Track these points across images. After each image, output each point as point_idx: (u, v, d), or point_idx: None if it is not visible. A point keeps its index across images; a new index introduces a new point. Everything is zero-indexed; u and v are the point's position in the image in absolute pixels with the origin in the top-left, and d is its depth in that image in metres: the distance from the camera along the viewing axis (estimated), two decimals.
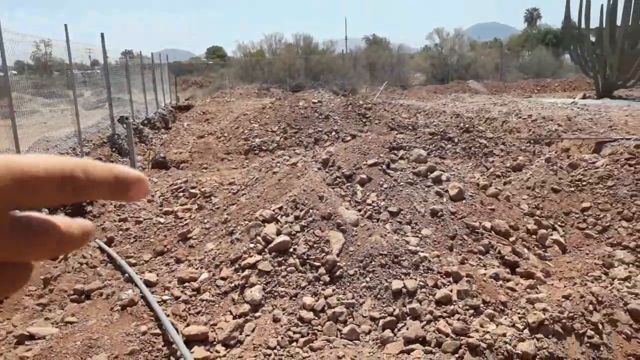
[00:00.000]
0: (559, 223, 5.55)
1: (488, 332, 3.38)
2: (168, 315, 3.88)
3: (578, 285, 4.11)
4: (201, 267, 4.62)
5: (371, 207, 5.06)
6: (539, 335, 3.38)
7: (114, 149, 9.87)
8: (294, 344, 3.58)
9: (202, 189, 7.02)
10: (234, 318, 3.88)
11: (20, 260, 0.40)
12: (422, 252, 4.24)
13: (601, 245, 5.09)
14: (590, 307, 3.64)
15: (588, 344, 3.43)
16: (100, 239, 5.79)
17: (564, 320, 3.48)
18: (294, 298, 3.98)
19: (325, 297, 3.90)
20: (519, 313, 3.61)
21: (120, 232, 5.99)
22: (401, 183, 5.35)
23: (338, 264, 4.14)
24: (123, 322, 3.83)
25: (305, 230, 4.52)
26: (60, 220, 0.41)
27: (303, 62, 29.98)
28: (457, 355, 3.25)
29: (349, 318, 3.75)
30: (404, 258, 4.09)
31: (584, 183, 5.94)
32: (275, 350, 3.51)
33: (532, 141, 10.00)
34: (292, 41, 33.87)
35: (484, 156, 8.62)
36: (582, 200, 5.72)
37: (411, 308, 3.66)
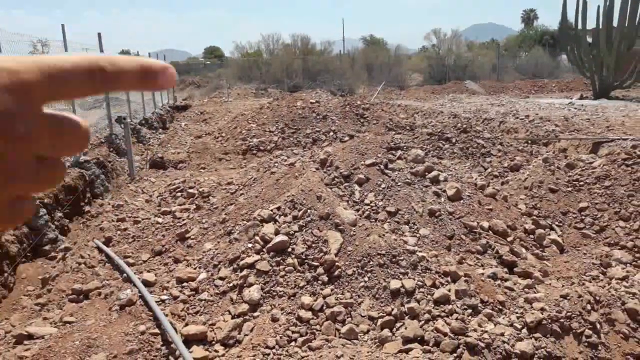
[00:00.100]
0: (557, 223, 5.57)
1: (486, 331, 3.39)
2: (167, 315, 3.87)
3: (576, 285, 4.13)
4: (199, 267, 4.62)
5: (369, 207, 5.07)
6: (537, 335, 3.39)
7: (112, 149, 9.85)
8: (293, 343, 3.59)
9: (200, 189, 7.02)
10: (233, 318, 3.88)
11: (58, 153, 0.43)
12: (420, 251, 4.25)
13: (599, 245, 5.11)
14: (588, 307, 3.65)
15: (586, 344, 3.45)
16: (98, 238, 5.78)
17: (562, 320, 3.50)
18: (292, 298, 3.98)
19: (324, 297, 3.91)
20: (517, 312, 3.62)
21: (118, 232, 5.99)
22: (399, 183, 5.36)
23: (336, 263, 4.14)
24: (122, 322, 3.83)
25: (304, 230, 4.52)
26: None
27: (301, 62, 29.96)
28: (455, 354, 3.26)
29: (348, 318, 3.75)
30: (402, 258, 4.10)
31: (582, 183, 5.96)
32: (273, 350, 3.52)
33: (529, 141, 10.03)
34: (290, 41, 33.85)
35: (482, 156, 8.64)
36: (579, 200, 5.74)
37: (409, 307, 3.67)
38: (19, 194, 0.42)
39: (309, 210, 4.69)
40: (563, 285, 4.16)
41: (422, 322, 3.57)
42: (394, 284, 3.87)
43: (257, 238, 4.53)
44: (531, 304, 3.69)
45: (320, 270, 4.12)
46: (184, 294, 4.24)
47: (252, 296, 3.99)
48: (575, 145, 9.63)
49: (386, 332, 3.55)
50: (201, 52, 58.87)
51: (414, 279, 3.91)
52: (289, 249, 4.37)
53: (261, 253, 4.39)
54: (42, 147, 0.41)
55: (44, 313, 4.35)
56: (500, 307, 3.72)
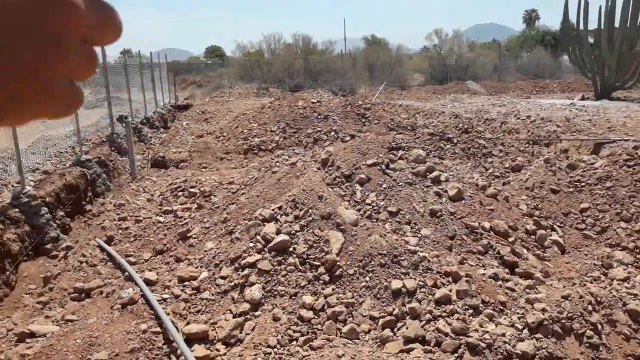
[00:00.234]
0: (558, 224, 5.57)
1: (487, 331, 3.39)
2: (168, 314, 3.88)
3: (577, 286, 4.13)
4: (201, 266, 4.63)
5: (370, 207, 5.07)
6: (538, 335, 3.40)
7: (113, 148, 9.86)
8: (294, 342, 3.60)
9: (202, 189, 7.03)
10: (234, 317, 3.89)
11: (98, 39, 0.46)
12: (421, 252, 4.25)
13: (600, 245, 5.11)
14: (590, 308, 3.65)
15: (587, 344, 3.45)
16: (100, 237, 5.79)
17: (563, 321, 3.50)
18: (293, 297, 3.99)
19: (325, 297, 3.91)
20: (518, 313, 3.62)
21: (120, 231, 6.00)
22: (400, 183, 5.36)
23: (337, 263, 4.15)
24: (123, 321, 3.83)
25: (305, 230, 4.53)
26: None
27: (302, 62, 29.95)
28: (456, 354, 3.26)
29: (349, 317, 3.76)
30: (403, 258, 4.11)
31: (583, 184, 5.96)
32: (275, 349, 3.53)
33: (531, 142, 10.03)
34: (291, 41, 33.84)
35: (483, 157, 8.64)
36: (580, 201, 5.74)
37: (410, 307, 3.67)
38: (67, 74, 0.45)
39: (310, 210, 4.69)
40: (564, 286, 4.17)
41: (424, 322, 3.57)
42: (395, 284, 3.87)
43: (258, 237, 4.54)
44: (532, 305, 3.69)
45: (321, 269, 4.13)
46: (185, 293, 4.25)
47: (253, 295, 4.00)
48: (576, 146, 9.63)
49: (387, 332, 3.55)
50: (202, 51, 58.89)
51: (415, 279, 3.91)
52: (291, 249, 4.38)
53: (262, 252, 4.40)
54: (90, 30, 0.45)
55: (46, 311, 4.36)
56: (502, 308, 3.72)
